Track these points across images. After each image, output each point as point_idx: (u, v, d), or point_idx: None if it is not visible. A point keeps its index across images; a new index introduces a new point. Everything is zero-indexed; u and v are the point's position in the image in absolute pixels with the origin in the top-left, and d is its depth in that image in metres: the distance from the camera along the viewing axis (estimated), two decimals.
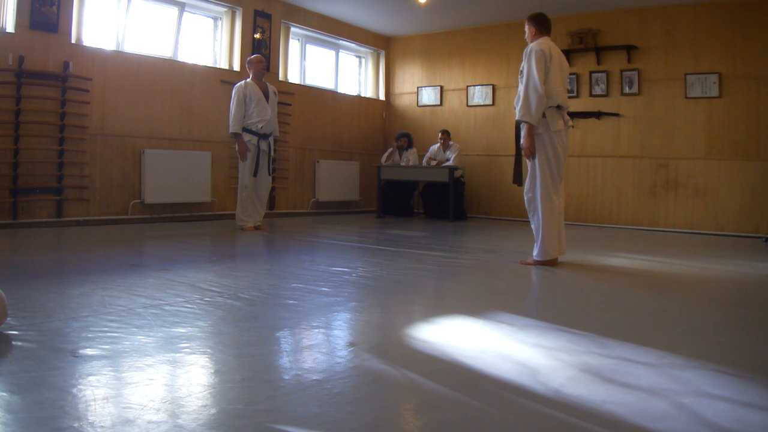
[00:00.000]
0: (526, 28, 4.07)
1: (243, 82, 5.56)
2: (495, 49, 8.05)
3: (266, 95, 5.60)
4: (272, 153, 5.74)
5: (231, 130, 5.49)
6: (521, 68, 3.93)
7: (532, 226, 4.01)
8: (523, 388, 1.66)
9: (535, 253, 3.98)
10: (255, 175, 5.56)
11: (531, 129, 3.87)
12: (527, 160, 3.98)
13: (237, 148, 5.51)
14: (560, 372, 1.80)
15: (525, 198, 4.03)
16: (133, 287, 2.86)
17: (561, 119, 3.90)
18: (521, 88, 3.88)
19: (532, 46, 3.88)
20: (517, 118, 3.94)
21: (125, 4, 5.92)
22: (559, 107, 3.89)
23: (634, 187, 7.10)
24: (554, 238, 3.92)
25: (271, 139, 5.69)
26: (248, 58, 5.80)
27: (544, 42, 3.90)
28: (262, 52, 7.02)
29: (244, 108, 5.46)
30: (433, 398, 1.61)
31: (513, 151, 4.18)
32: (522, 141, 3.94)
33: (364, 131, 8.82)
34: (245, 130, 5.49)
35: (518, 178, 4.16)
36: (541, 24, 4.02)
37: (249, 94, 5.48)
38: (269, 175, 5.73)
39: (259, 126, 5.51)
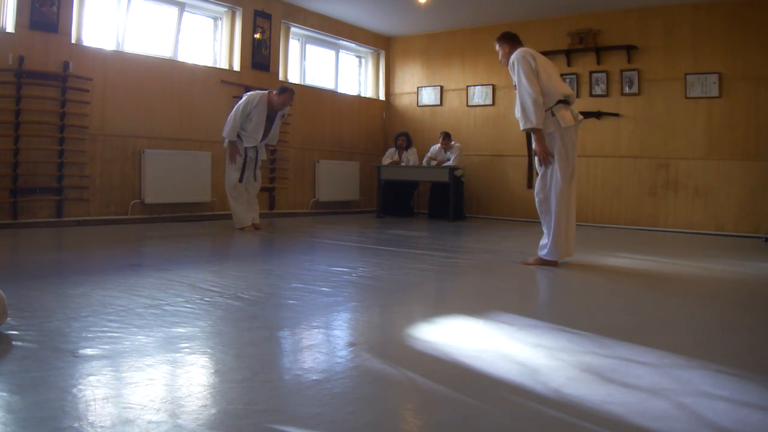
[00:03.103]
0: (498, 48, 4.07)
1: (258, 95, 5.53)
2: (495, 49, 8.01)
3: (272, 117, 5.60)
4: (260, 159, 5.72)
5: (227, 137, 5.52)
6: (514, 83, 3.91)
7: (543, 225, 3.95)
8: (523, 388, 1.66)
9: (544, 252, 3.93)
10: (241, 180, 5.58)
11: (540, 134, 3.81)
12: (536, 161, 3.93)
13: (227, 151, 5.56)
14: (560, 372, 1.80)
15: (536, 199, 3.94)
16: (133, 287, 2.86)
17: (569, 113, 3.84)
18: (518, 99, 3.86)
19: (514, 55, 3.87)
20: (521, 128, 3.86)
21: (125, 4, 5.92)
22: (565, 101, 3.85)
23: (634, 187, 7.10)
24: (565, 240, 3.90)
25: (261, 145, 5.68)
26: (285, 87, 5.65)
27: (523, 50, 3.90)
28: (262, 52, 7.03)
29: (242, 119, 5.48)
30: (433, 398, 1.61)
31: (516, 152, 4.17)
32: (535, 147, 3.87)
33: (364, 131, 8.82)
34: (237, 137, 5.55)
35: (531, 182, 4.10)
36: (512, 39, 4.05)
37: (255, 111, 5.48)
38: (255, 180, 5.74)
39: (246, 144, 5.54)
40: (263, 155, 5.79)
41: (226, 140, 5.55)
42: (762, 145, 6.34)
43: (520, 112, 3.82)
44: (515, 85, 3.88)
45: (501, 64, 4.10)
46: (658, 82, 6.91)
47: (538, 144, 3.83)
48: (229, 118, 5.52)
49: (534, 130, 3.79)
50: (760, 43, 6.30)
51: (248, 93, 5.63)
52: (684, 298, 3.15)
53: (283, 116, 5.77)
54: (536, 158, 3.92)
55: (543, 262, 3.94)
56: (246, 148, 5.58)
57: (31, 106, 5.17)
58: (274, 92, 5.59)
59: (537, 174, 3.97)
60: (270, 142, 5.80)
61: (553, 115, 3.82)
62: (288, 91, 5.59)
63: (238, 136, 5.53)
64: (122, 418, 1.37)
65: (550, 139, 3.85)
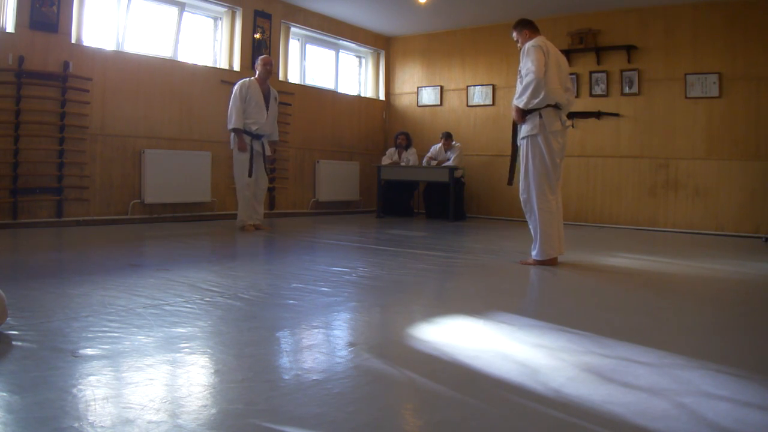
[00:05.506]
0: (516, 34, 4.05)
1: (246, 80, 5.58)
2: (495, 49, 8.05)
3: (267, 98, 5.61)
4: (266, 153, 5.71)
5: (232, 125, 5.47)
6: (519, 69, 3.92)
7: (530, 226, 4.02)
8: (523, 388, 1.66)
9: (534, 253, 3.98)
10: (250, 175, 5.57)
11: (521, 113, 3.89)
12: (521, 160, 3.98)
13: (234, 144, 5.51)
14: (560, 372, 1.80)
15: (521, 199, 4.03)
16: (133, 287, 2.86)
17: (558, 120, 3.88)
18: (519, 87, 3.88)
19: (530, 43, 3.87)
20: (513, 102, 3.96)
21: (125, 4, 5.92)
22: (556, 106, 3.88)
23: (634, 187, 7.10)
24: (552, 238, 3.92)
25: (264, 141, 5.68)
26: (258, 57, 5.84)
27: (541, 39, 3.90)
28: (262, 52, 7.02)
29: (243, 105, 5.47)
30: (433, 398, 1.61)
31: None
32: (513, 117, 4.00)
33: (364, 131, 8.82)
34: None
35: (512, 179, 4.18)
36: (532, 25, 4.03)
37: (249, 93, 5.49)
38: (267, 175, 5.76)
39: (254, 129, 5.52)
40: (268, 150, 5.77)
41: (232, 131, 5.50)
42: (762, 145, 6.34)
43: (520, 90, 3.87)
44: (520, 71, 3.89)
45: (518, 51, 4.09)
46: (658, 82, 6.91)
47: (516, 114, 3.92)
48: (230, 109, 5.49)
49: (518, 108, 3.90)
50: (760, 43, 6.30)
51: (236, 82, 5.63)
52: (684, 298, 3.15)
53: (276, 99, 5.74)
54: (521, 158, 3.98)
55: (540, 263, 3.95)
56: (252, 142, 5.57)
57: (31, 106, 5.17)
58: (255, 69, 5.72)
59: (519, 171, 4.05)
60: (275, 138, 5.81)
61: (540, 117, 3.84)
62: (261, 59, 5.68)
63: (243, 130, 5.51)
64: (122, 418, 1.37)
65: (533, 140, 3.89)
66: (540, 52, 3.79)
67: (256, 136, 5.59)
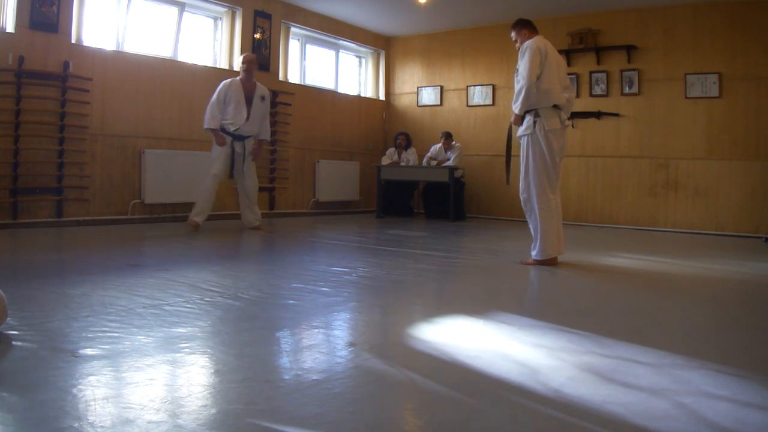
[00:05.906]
0: (515, 34, 4.05)
1: (230, 80, 5.56)
2: (495, 49, 8.05)
3: (250, 99, 5.53)
4: (246, 152, 5.60)
5: (206, 125, 5.46)
6: (517, 67, 3.93)
7: (530, 226, 4.02)
8: (523, 388, 1.66)
9: (534, 252, 3.97)
10: (232, 176, 5.55)
11: (518, 118, 3.95)
12: (520, 159, 3.99)
13: (214, 140, 5.49)
14: (560, 372, 1.80)
15: (521, 198, 4.03)
16: (133, 287, 2.85)
17: (557, 118, 3.88)
18: (517, 87, 3.90)
19: (528, 42, 3.88)
20: (512, 105, 4.00)
21: (125, 4, 5.92)
22: (556, 106, 3.87)
23: (634, 187, 7.10)
24: (553, 238, 3.92)
25: (248, 142, 5.61)
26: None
27: (540, 39, 3.90)
28: (262, 52, 7.02)
29: (221, 106, 5.45)
30: (433, 398, 1.61)
31: (515, 152, 4.19)
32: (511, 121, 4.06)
33: (364, 131, 8.82)
34: (221, 129, 5.49)
35: (509, 179, 4.22)
36: (530, 25, 4.04)
37: (230, 94, 5.46)
38: (244, 173, 5.62)
39: (232, 129, 5.49)
40: (248, 148, 5.65)
41: (208, 129, 5.48)
42: (762, 145, 6.34)
43: (515, 96, 3.91)
44: (517, 69, 3.89)
45: (518, 51, 4.09)
46: (658, 82, 6.91)
47: (515, 119, 3.97)
48: (206, 109, 5.48)
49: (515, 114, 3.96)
50: (760, 43, 6.30)
51: (221, 82, 5.61)
52: (684, 298, 3.15)
53: (262, 99, 5.65)
54: (521, 157, 3.99)
55: (539, 262, 3.95)
56: (233, 143, 5.52)
57: (31, 106, 5.17)
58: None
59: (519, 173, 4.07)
60: (263, 137, 5.76)
61: (538, 116, 3.84)
62: (241, 57, 5.68)
63: (223, 129, 5.49)
64: (122, 418, 1.37)
65: (532, 138, 3.89)
66: (537, 54, 3.79)
67: (237, 137, 5.53)
